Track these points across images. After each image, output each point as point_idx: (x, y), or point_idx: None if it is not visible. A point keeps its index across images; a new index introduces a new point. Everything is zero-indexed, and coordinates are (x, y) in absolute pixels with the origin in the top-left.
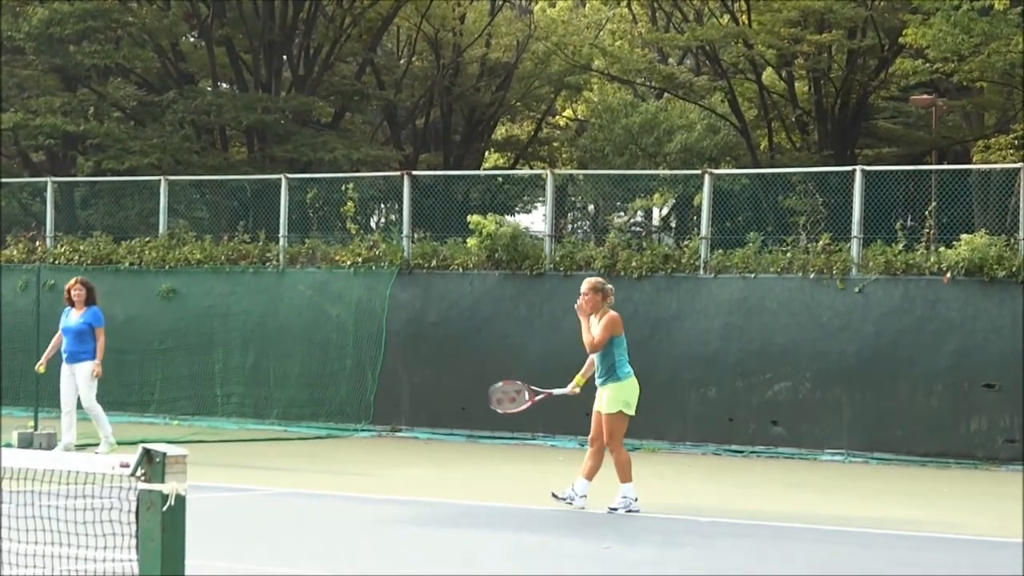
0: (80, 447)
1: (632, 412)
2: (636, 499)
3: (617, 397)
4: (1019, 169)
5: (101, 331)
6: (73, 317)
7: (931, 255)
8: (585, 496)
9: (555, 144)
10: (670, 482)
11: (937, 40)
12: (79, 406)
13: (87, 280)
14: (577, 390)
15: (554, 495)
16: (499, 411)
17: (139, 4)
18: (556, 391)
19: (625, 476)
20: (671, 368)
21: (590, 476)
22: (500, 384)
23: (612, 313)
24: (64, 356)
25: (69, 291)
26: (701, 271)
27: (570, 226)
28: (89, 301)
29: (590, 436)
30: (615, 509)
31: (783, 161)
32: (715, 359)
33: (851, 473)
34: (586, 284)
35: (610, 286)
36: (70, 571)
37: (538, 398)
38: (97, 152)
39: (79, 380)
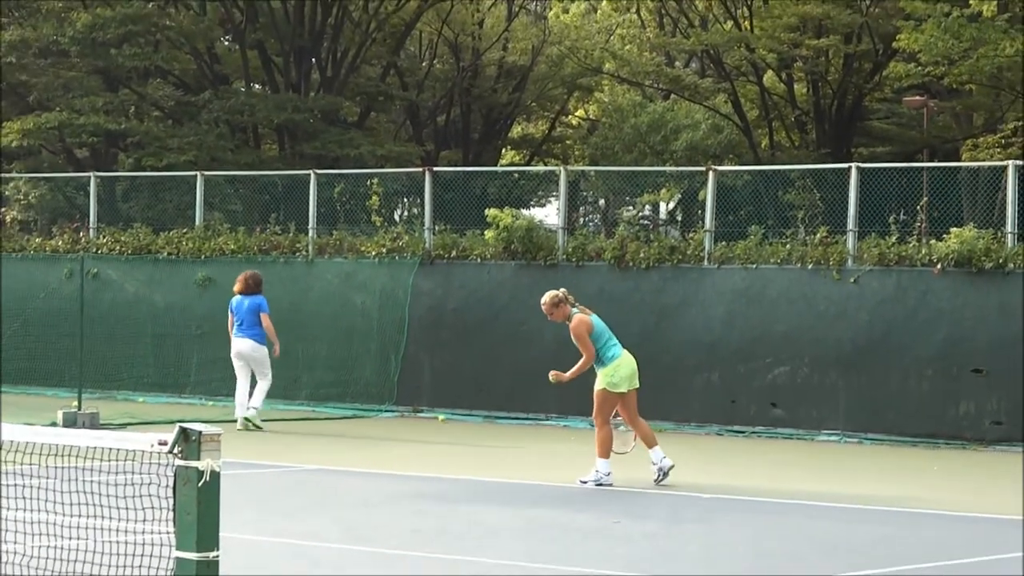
0: (121, 426)
1: (618, 390)
2: (608, 474)
3: (602, 378)
4: (1006, 167)
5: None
6: None
7: (922, 247)
8: (664, 456)
9: (568, 142)
10: (675, 461)
11: (929, 45)
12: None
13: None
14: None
15: (656, 483)
16: (626, 451)
17: (177, 9)
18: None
19: (602, 452)
20: (677, 353)
21: (649, 444)
22: (616, 440)
23: (572, 323)
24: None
25: None
26: (705, 262)
27: (582, 219)
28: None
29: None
30: (585, 482)
31: (783, 159)
32: (718, 345)
33: (846, 453)
34: (544, 306)
35: (561, 291)
36: (111, 542)
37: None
38: (137, 149)
39: None
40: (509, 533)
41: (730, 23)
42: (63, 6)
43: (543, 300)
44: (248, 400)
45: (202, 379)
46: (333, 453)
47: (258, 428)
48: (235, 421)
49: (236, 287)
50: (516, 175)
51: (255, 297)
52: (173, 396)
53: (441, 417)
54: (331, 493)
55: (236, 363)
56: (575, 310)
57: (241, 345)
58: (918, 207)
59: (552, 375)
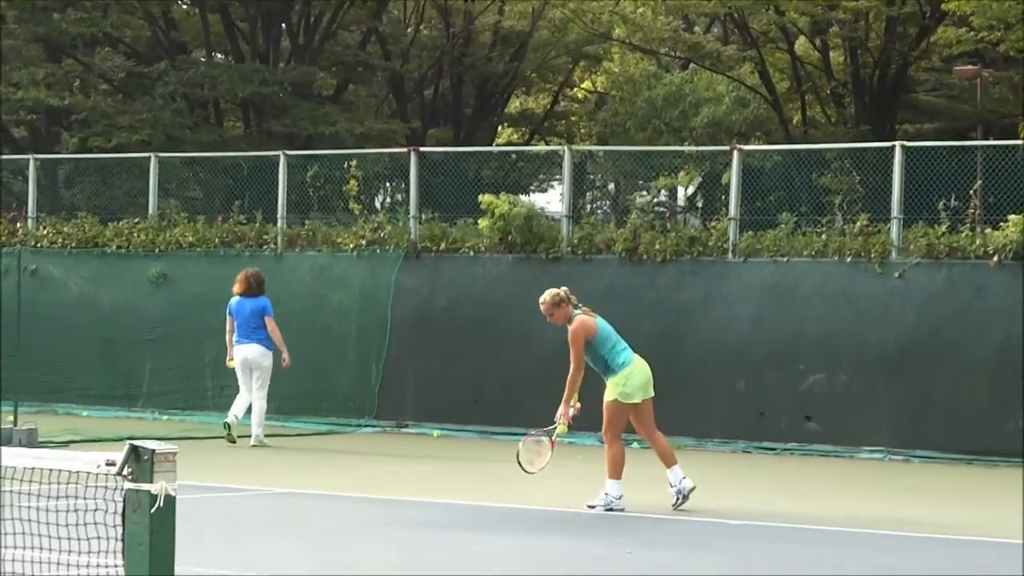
0: (63, 444)
1: (631, 400)
2: (620, 497)
3: (612, 388)
4: None
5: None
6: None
7: (976, 237)
8: (684, 477)
9: (573, 118)
10: (697, 481)
11: (982, 7)
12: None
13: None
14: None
15: (674, 508)
16: (532, 471)
17: None
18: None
19: (613, 472)
20: (697, 359)
21: (667, 462)
22: (522, 448)
23: (571, 327)
24: None
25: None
26: (730, 254)
27: (589, 206)
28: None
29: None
30: (594, 506)
31: (817, 136)
32: (745, 349)
33: (891, 472)
34: (543, 306)
35: (562, 290)
36: None
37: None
38: (83, 128)
39: None
40: (506, 564)
41: None
42: None
43: (542, 300)
44: (241, 415)
45: (155, 390)
46: (306, 474)
47: (265, 445)
48: (190, 438)
49: (236, 288)
50: (514, 156)
51: (258, 299)
52: (122, 410)
53: (436, 433)
54: (303, 519)
55: (240, 373)
56: (578, 312)
57: (247, 351)
58: (971, 191)
59: (563, 428)
